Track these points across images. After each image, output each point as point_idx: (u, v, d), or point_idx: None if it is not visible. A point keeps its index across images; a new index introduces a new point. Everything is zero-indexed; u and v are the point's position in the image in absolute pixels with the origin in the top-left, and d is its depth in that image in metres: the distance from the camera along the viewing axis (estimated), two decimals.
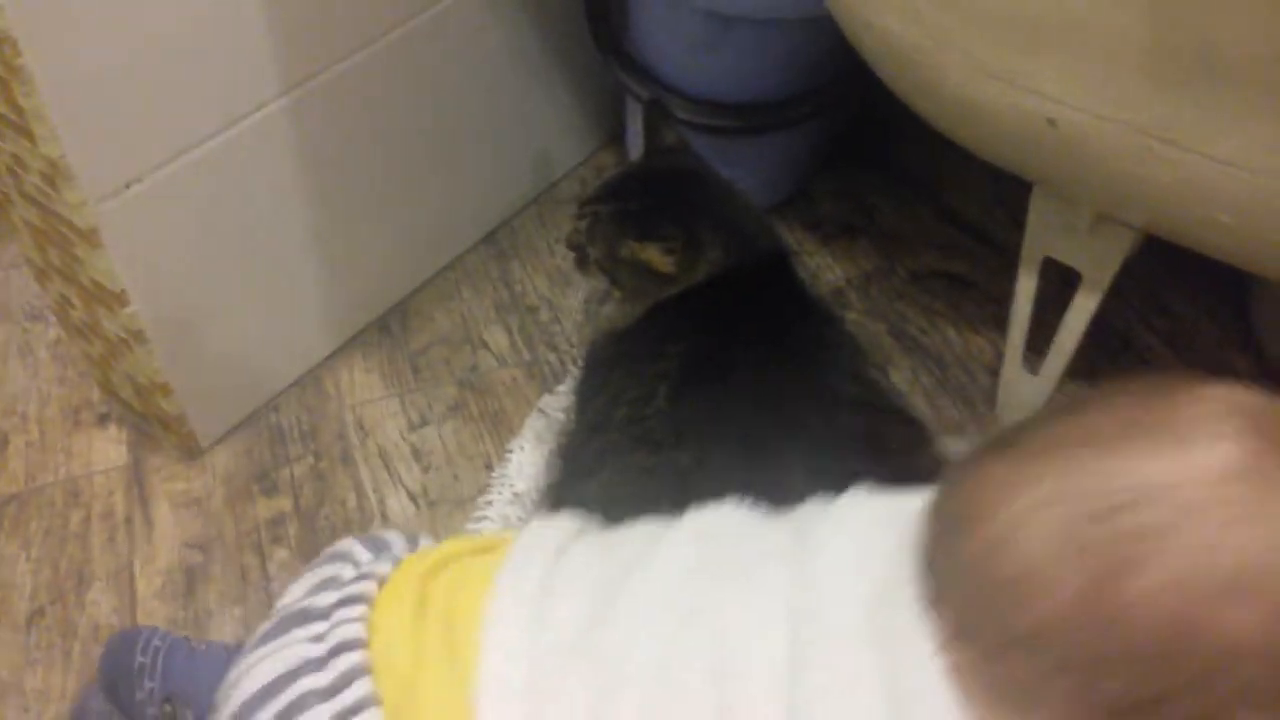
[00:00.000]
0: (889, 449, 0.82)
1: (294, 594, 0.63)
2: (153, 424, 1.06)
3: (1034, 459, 0.44)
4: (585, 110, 1.36)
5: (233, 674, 0.58)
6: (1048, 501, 0.42)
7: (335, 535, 0.99)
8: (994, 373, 1.09)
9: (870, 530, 0.52)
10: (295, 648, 0.56)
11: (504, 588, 0.55)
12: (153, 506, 1.02)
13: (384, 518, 1.00)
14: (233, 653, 0.72)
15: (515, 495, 0.99)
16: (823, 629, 0.46)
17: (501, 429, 1.08)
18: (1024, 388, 1.04)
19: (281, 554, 0.98)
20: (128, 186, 0.86)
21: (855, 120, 1.38)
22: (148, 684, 0.78)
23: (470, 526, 0.99)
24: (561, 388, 1.10)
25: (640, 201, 0.90)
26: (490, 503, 1.00)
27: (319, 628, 0.57)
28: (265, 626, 0.60)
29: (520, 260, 1.27)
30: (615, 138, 1.39)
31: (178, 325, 0.97)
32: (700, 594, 0.52)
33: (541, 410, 1.07)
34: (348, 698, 0.53)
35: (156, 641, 0.80)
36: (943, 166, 1.36)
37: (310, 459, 1.06)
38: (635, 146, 1.30)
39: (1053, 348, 0.99)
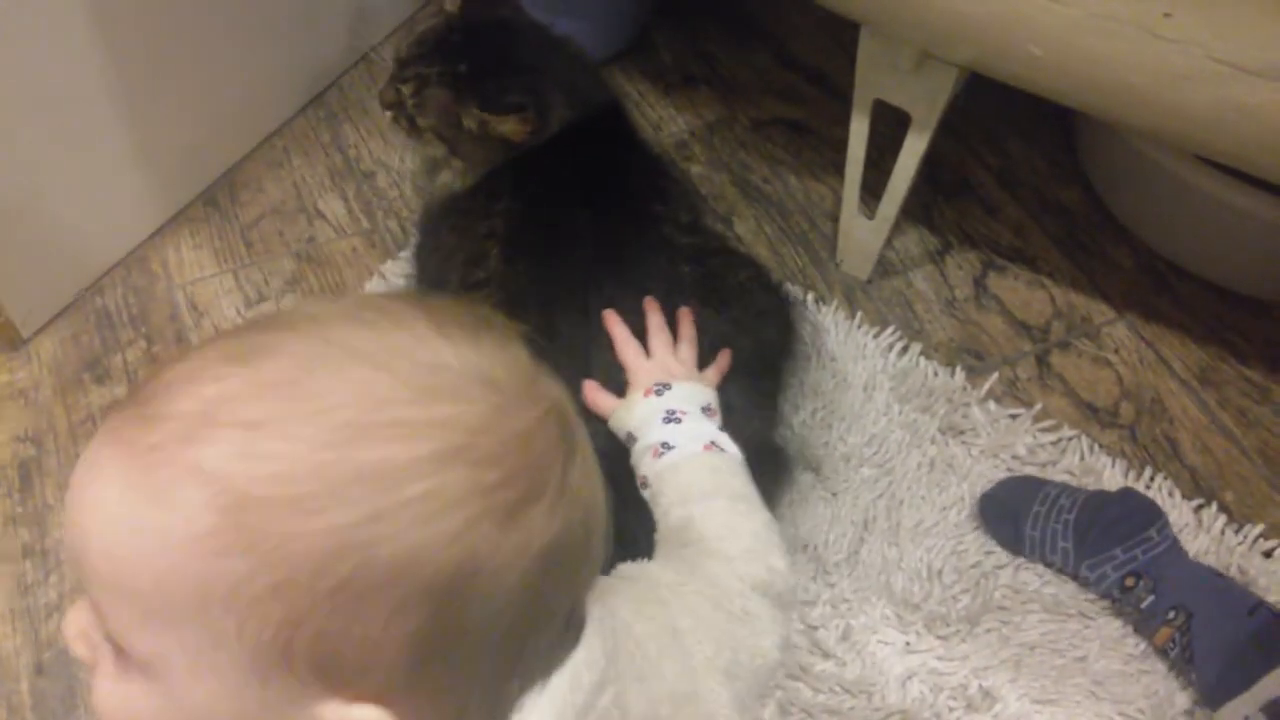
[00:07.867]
0: (728, 298, 0.83)
1: None
2: None
3: None
4: None
5: None
6: None
7: None
8: (835, 219, 1.11)
9: None
10: None
11: None
12: None
13: None
14: None
15: None
16: None
17: None
18: (861, 232, 1.06)
19: None
20: None
21: None
22: None
23: None
24: (404, 254, 1.07)
25: (470, 62, 0.86)
26: None
27: None
28: None
29: (353, 123, 1.22)
30: None
31: None
32: None
33: (382, 275, 1.05)
34: None
35: None
36: (781, 11, 1.35)
37: (143, 343, 1.02)
38: None
39: (887, 190, 1.01)
